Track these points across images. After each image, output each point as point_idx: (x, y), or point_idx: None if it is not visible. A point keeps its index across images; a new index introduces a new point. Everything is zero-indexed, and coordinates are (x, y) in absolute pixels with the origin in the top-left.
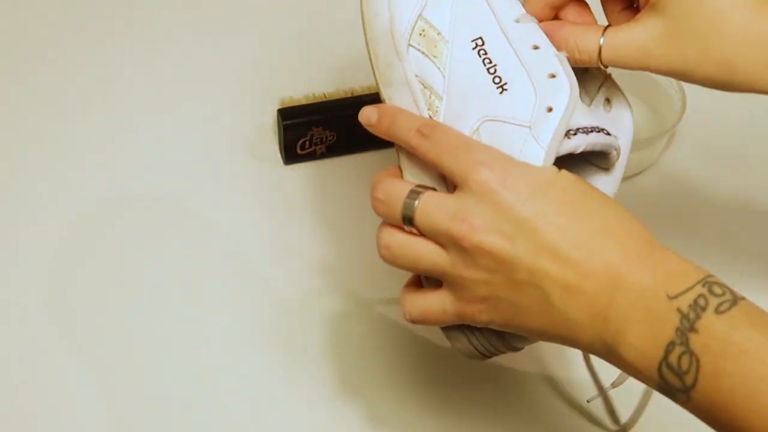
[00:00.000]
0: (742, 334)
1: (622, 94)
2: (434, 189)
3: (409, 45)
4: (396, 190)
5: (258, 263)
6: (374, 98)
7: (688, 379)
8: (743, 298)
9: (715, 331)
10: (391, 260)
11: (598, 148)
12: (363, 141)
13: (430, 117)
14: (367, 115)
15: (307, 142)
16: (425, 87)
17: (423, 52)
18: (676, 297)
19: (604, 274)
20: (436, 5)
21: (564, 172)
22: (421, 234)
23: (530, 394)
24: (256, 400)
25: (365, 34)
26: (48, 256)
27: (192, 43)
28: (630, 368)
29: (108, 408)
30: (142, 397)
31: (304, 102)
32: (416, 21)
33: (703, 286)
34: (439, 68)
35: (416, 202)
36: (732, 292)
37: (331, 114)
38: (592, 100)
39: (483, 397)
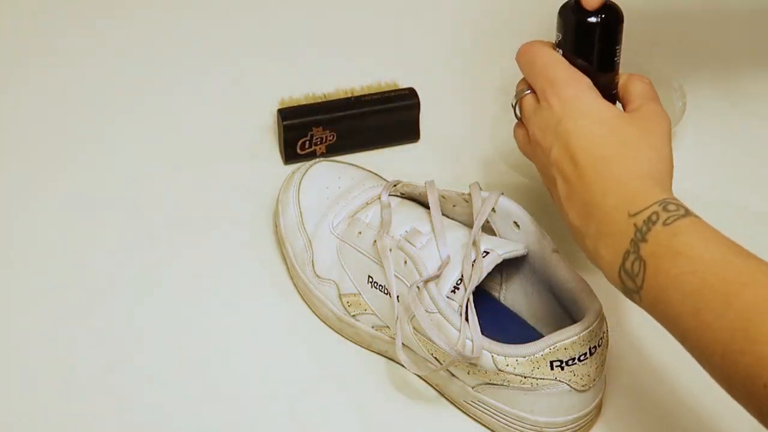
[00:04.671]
0: (682, 240)
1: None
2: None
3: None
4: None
5: (257, 263)
6: (374, 98)
7: (638, 281)
8: (696, 216)
9: (660, 238)
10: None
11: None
12: (363, 141)
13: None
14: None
15: (307, 142)
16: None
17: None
18: (635, 215)
19: (592, 188)
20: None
21: (634, 114)
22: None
23: None
24: (263, 396)
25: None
26: (43, 254)
27: (191, 43)
28: (603, 272)
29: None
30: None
31: (304, 102)
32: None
33: (660, 205)
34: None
35: (523, 94)
36: (686, 210)
37: (331, 114)
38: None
39: None
